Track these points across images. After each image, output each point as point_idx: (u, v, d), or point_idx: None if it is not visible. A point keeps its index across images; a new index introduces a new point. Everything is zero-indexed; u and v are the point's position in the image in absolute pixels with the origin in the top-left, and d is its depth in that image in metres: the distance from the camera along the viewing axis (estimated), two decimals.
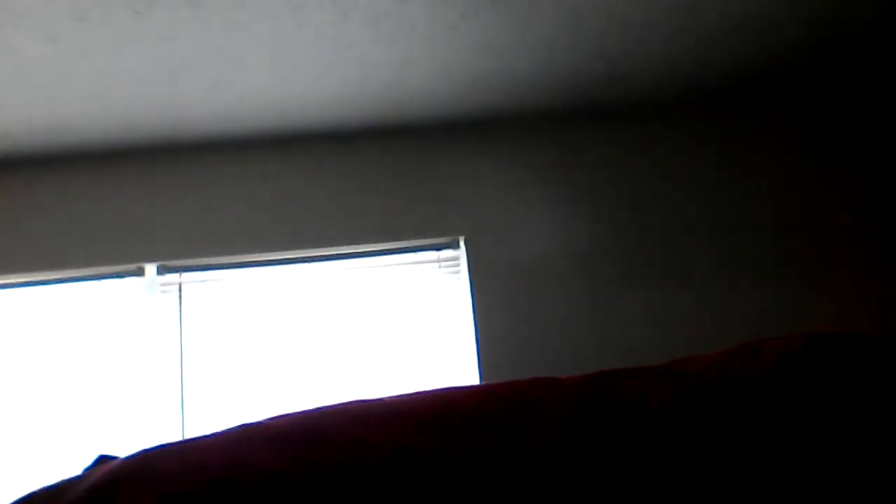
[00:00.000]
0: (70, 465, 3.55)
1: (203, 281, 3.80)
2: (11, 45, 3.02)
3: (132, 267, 3.78)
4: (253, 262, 3.83)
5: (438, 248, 3.85)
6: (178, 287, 3.78)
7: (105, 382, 3.67)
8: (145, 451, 0.82)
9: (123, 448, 3.59)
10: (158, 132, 3.72)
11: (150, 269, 3.78)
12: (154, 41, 3.07)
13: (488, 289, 3.75)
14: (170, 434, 3.60)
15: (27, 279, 3.77)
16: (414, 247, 3.85)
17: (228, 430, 0.82)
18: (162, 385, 3.65)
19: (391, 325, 3.76)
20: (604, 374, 0.83)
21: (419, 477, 0.65)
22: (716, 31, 3.39)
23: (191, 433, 3.60)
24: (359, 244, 3.82)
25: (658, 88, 3.83)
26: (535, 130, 3.98)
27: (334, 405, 0.88)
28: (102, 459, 0.90)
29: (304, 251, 3.82)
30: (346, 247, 3.82)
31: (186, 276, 3.80)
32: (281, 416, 0.82)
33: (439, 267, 3.85)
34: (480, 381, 3.59)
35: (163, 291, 3.77)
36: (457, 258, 3.85)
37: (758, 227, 3.88)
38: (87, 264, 3.75)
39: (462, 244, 3.84)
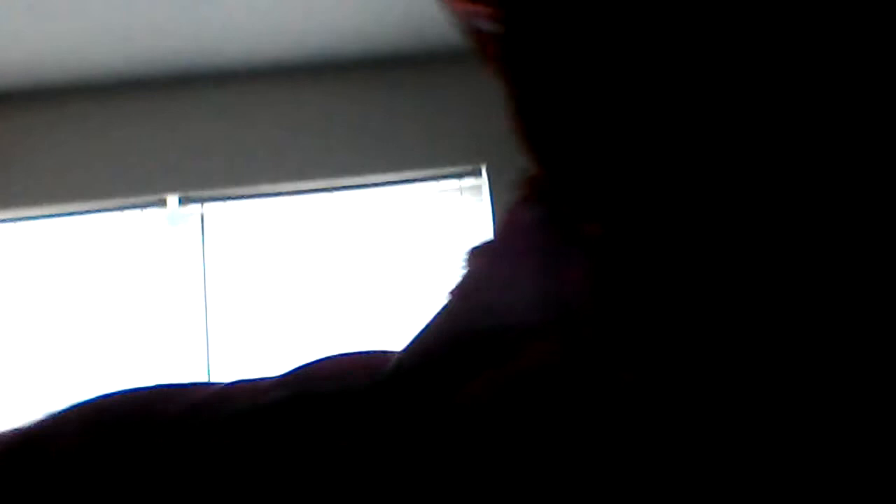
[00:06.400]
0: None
1: (225, 212, 3.80)
2: None
3: (153, 198, 3.78)
4: (275, 192, 3.82)
5: (460, 175, 3.83)
6: (200, 218, 3.78)
7: (126, 316, 3.69)
8: None
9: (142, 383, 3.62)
10: (178, 62, 3.69)
11: (172, 199, 3.77)
12: None
13: None
14: (194, 368, 3.62)
15: (46, 212, 3.78)
16: (435, 175, 3.83)
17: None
18: (185, 318, 3.67)
19: (412, 253, 3.75)
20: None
21: None
22: None
23: (216, 367, 3.63)
24: (380, 172, 3.80)
25: None
26: None
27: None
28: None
29: (324, 181, 3.80)
30: (367, 175, 3.80)
31: (208, 206, 3.79)
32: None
33: (461, 195, 3.83)
34: None
35: (184, 222, 3.77)
36: (479, 186, 3.83)
37: None
38: (106, 196, 3.75)
39: (484, 172, 3.81)
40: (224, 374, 3.63)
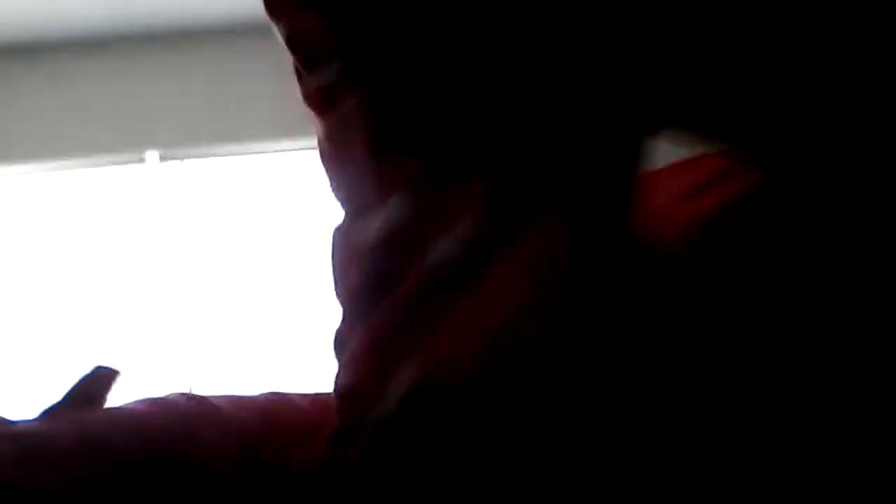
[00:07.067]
0: (67, 360, 3.56)
1: (205, 169, 3.76)
2: None
3: (133, 155, 3.74)
4: (256, 150, 3.79)
5: None
6: (180, 175, 3.75)
7: (105, 273, 3.65)
8: None
9: (122, 345, 3.59)
10: (161, 18, 3.64)
11: (152, 156, 3.73)
12: None
13: None
14: (171, 328, 3.59)
15: (26, 168, 3.73)
16: None
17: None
18: (163, 275, 3.65)
19: None
20: None
21: None
22: None
23: (191, 325, 3.60)
24: None
25: None
26: None
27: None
28: (99, 369, 0.86)
29: (310, 140, 3.77)
30: None
31: (189, 163, 3.76)
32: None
33: None
34: None
35: (164, 179, 3.73)
36: None
37: None
38: (86, 152, 3.70)
39: None
40: (203, 328, 3.62)
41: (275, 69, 3.94)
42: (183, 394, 0.69)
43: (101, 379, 0.72)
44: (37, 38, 3.71)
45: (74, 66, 3.77)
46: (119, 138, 3.71)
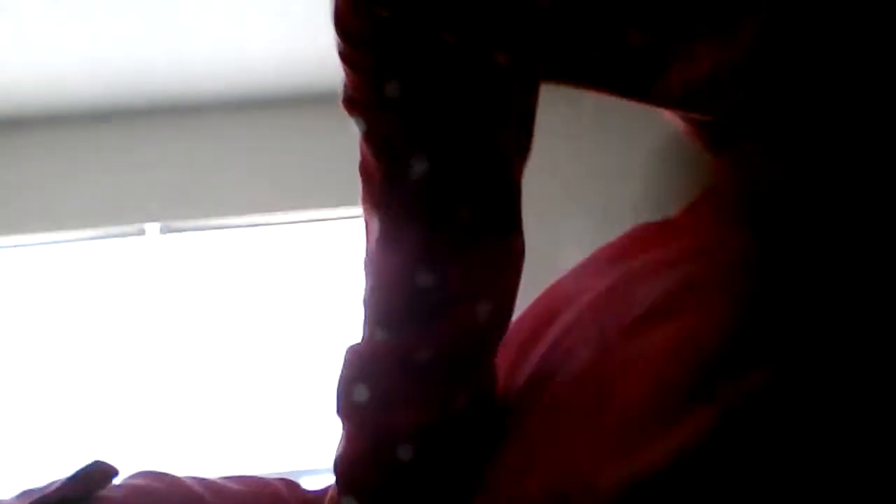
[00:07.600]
0: (64, 431, 3.53)
1: (207, 241, 3.77)
2: (11, 4, 2.98)
3: (132, 227, 3.75)
4: (258, 222, 3.80)
5: None
6: (180, 247, 3.76)
7: (104, 346, 3.64)
8: None
9: (119, 418, 3.57)
10: (160, 92, 3.68)
11: (152, 228, 3.74)
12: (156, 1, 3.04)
13: None
14: (170, 403, 3.58)
15: (24, 240, 3.74)
16: None
17: None
18: (163, 348, 3.64)
19: None
20: None
21: None
22: None
23: (191, 400, 3.59)
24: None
25: None
26: None
27: None
28: (97, 464, 0.86)
29: (310, 212, 3.78)
30: (350, 207, 3.78)
31: (189, 235, 3.77)
32: None
33: None
34: None
35: (165, 252, 3.74)
36: None
37: None
38: (85, 224, 3.72)
39: None
40: (200, 401, 3.60)
41: (275, 142, 4.00)
42: (161, 475, 0.69)
43: (97, 475, 0.72)
44: (36, 110, 3.75)
45: (74, 138, 3.80)
46: (119, 210, 3.72)
